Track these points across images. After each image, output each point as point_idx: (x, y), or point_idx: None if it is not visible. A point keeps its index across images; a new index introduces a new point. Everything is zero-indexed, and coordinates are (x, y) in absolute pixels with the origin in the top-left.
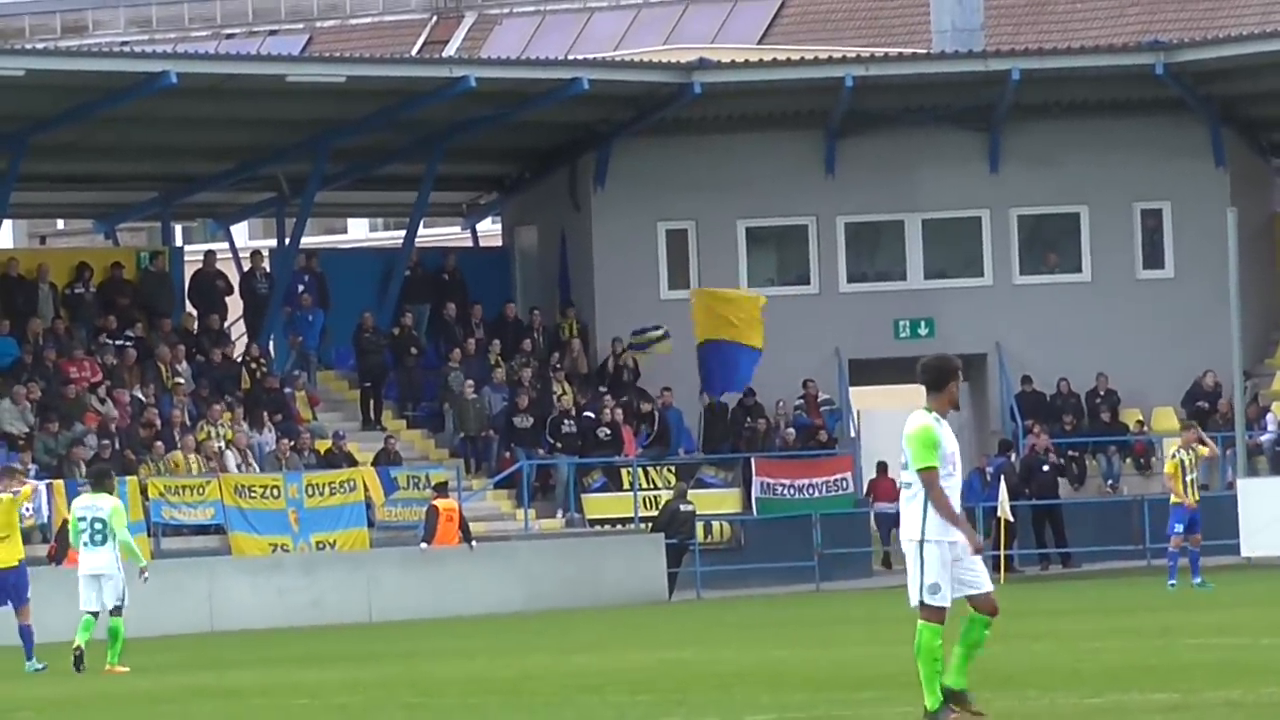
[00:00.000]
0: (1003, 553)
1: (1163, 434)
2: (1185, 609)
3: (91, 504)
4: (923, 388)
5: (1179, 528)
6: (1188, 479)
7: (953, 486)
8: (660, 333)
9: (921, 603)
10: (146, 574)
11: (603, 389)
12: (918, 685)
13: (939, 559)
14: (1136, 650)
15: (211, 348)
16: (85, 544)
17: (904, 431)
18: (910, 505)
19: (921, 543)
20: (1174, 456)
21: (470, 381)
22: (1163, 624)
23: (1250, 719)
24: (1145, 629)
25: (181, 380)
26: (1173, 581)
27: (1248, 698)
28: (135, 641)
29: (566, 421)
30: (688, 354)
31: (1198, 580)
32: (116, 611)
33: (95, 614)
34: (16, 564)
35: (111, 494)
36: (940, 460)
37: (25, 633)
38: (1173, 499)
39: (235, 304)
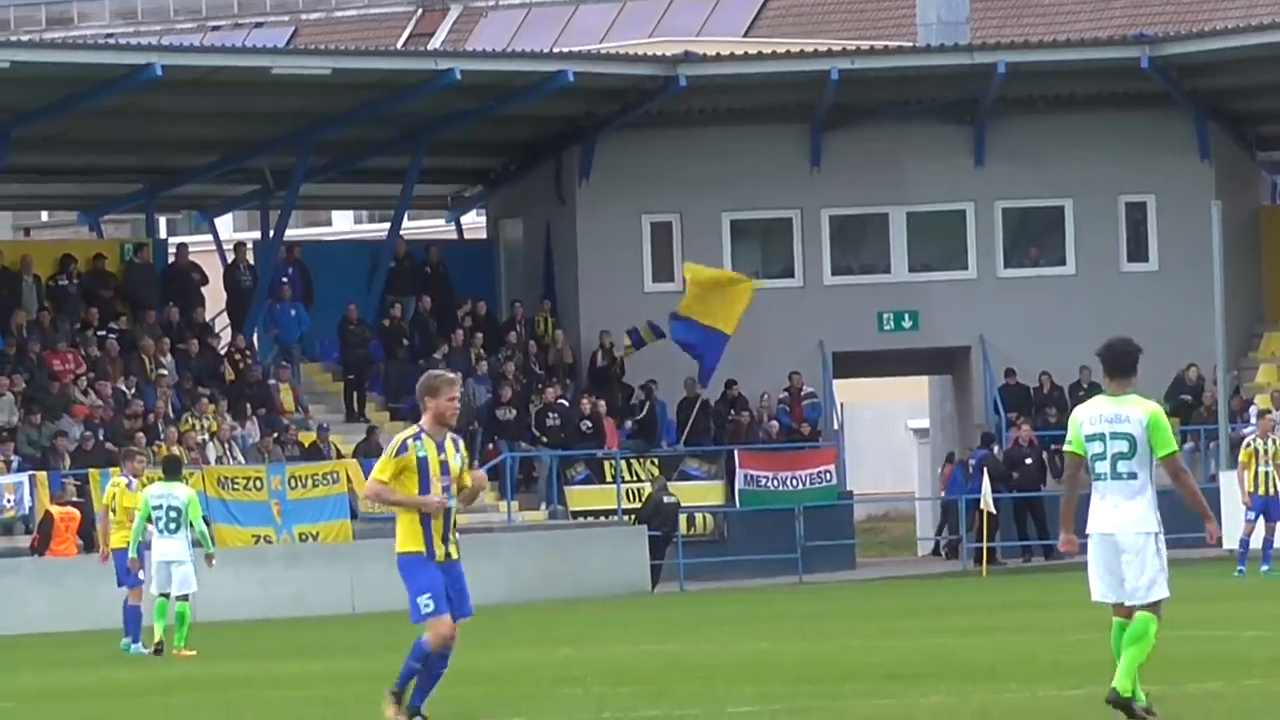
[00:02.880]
0: (985, 545)
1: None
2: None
3: (167, 492)
4: (1116, 373)
5: (1250, 515)
6: (1260, 469)
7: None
8: (649, 331)
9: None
10: (213, 562)
11: (591, 381)
12: (900, 678)
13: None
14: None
15: (194, 340)
16: (160, 532)
17: (1138, 416)
18: (1140, 497)
19: (1157, 535)
20: (1248, 445)
21: (458, 374)
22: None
23: (1232, 711)
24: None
25: (165, 372)
26: (1241, 569)
27: (1229, 689)
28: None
29: (550, 414)
30: (672, 348)
31: (1266, 568)
32: (184, 599)
33: (166, 595)
34: (121, 547)
35: (185, 483)
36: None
37: (133, 613)
38: (1246, 486)
39: (212, 296)
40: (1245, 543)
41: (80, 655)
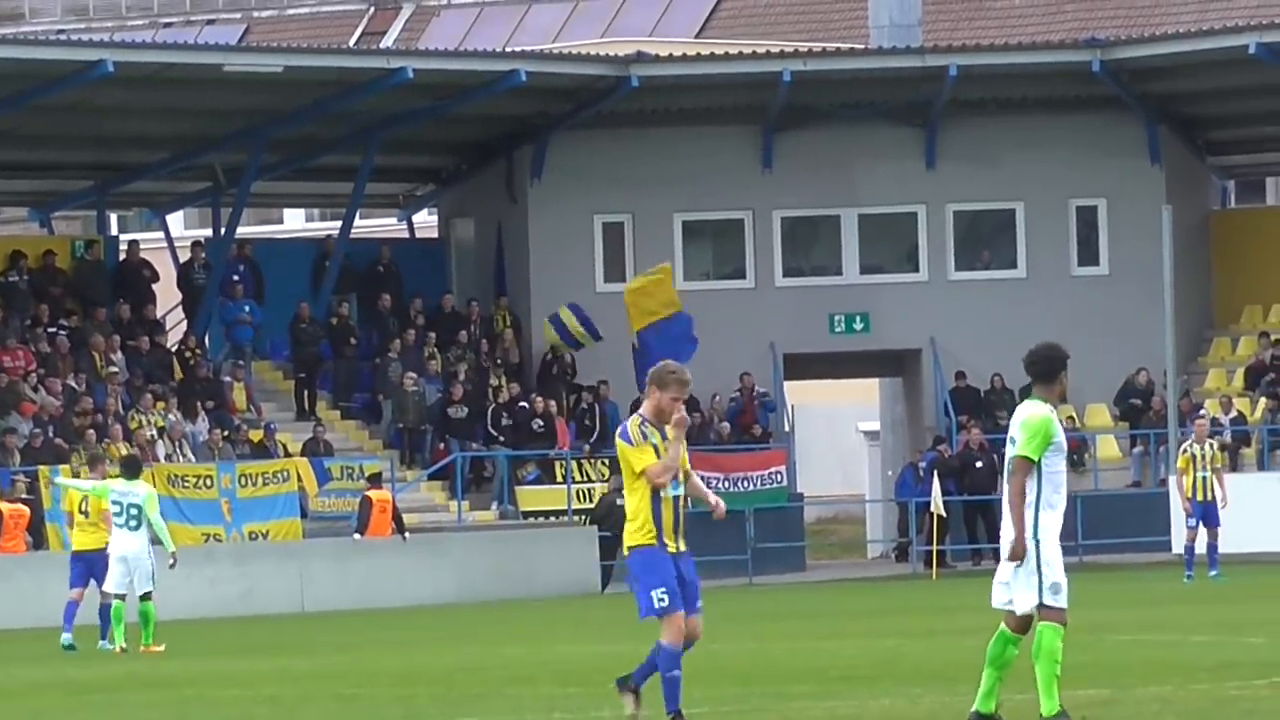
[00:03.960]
0: (935, 547)
1: (1095, 430)
2: (1116, 606)
3: (127, 489)
4: (1032, 379)
5: (1191, 521)
6: (1198, 475)
7: (1063, 481)
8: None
9: (1041, 604)
10: (174, 561)
11: (541, 381)
12: (850, 679)
13: (1055, 554)
14: (1067, 646)
15: (145, 337)
16: (119, 527)
17: (1017, 419)
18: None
19: (1037, 540)
20: (1185, 451)
21: (411, 374)
22: (1093, 620)
23: (1180, 715)
24: (1075, 625)
25: (115, 369)
26: (1189, 575)
27: (1178, 694)
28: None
29: (502, 414)
30: (623, 347)
31: (1214, 573)
32: (147, 597)
33: (122, 596)
34: (103, 547)
35: (144, 481)
36: (1055, 453)
37: (105, 612)
38: (1185, 493)
39: (163, 293)
40: (1190, 549)
41: (29, 651)
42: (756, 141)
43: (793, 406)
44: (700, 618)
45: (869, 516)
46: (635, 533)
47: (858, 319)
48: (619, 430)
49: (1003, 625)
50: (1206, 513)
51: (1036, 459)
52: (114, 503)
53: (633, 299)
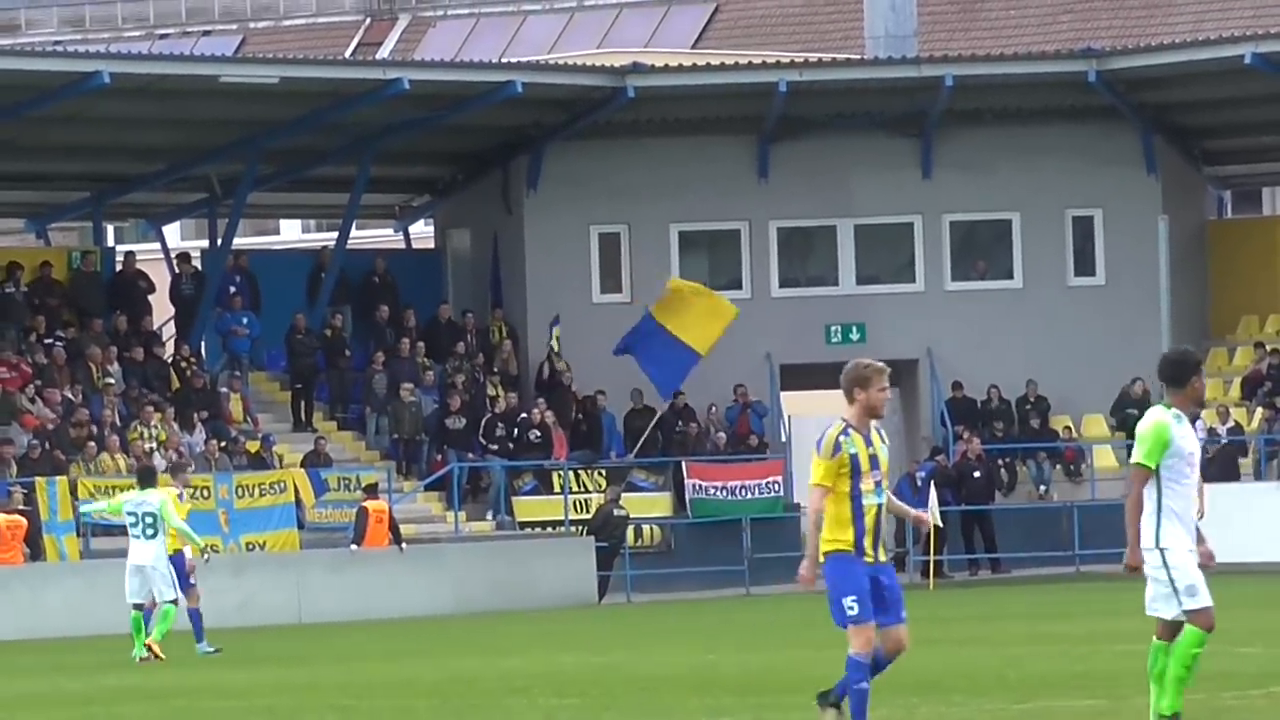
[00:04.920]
0: (932, 558)
1: (1092, 441)
2: (1113, 616)
3: (141, 499)
4: (1164, 384)
5: None
6: None
7: (1189, 490)
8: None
9: (1183, 609)
10: (208, 556)
11: (539, 392)
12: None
13: (1183, 560)
14: (1063, 656)
15: (140, 348)
16: (135, 537)
17: (1137, 428)
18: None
19: (1162, 549)
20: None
21: (408, 384)
22: (1090, 630)
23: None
24: (1072, 635)
25: (112, 381)
26: None
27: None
28: (61, 642)
29: (499, 425)
30: (621, 359)
31: None
32: (171, 603)
33: (139, 606)
34: (174, 553)
35: (159, 489)
36: (1176, 459)
37: (194, 616)
38: None
39: (159, 304)
40: None
41: (24, 663)
42: (752, 152)
43: (789, 417)
44: (904, 627)
45: None
46: (832, 539)
47: (854, 329)
48: (819, 435)
49: (1155, 635)
50: None
51: (1154, 466)
52: (129, 514)
53: (681, 289)
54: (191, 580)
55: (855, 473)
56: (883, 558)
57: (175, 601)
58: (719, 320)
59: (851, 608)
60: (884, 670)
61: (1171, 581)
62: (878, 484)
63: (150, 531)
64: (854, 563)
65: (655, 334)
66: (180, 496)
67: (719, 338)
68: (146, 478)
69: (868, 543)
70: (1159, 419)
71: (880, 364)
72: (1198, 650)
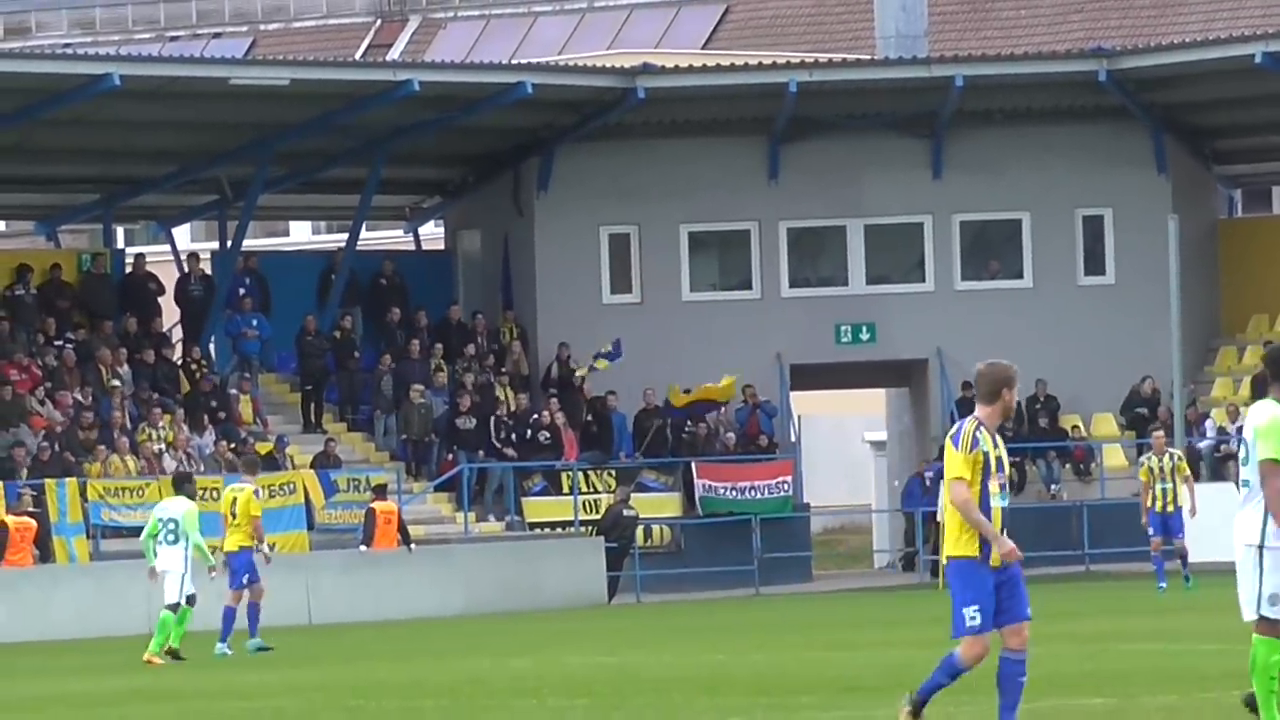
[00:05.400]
0: (941, 557)
1: (1102, 440)
2: (1123, 614)
3: (167, 506)
4: (1271, 378)
5: (1151, 531)
6: (1157, 486)
7: None
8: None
9: (1260, 616)
10: (214, 573)
11: (551, 391)
12: (856, 690)
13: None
14: (1074, 655)
15: (151, 350)
16: (160, 543)
17: (1252, 423)
18: (1248, 506)
19: (1261, 548)
20: (1144, 464)
21: (419, 385)
22: (1100, 629)
23: None
24: (1083, 634)
25: (117, 383)
26: (1161, 585)
27: (1184, 703)
28: (70, 644)
29: (507, 425)
30: (630, 359)
31: (1186, 582)
32: (189, 600)
33: (175, 607)
34: (239, 550)
35: (191, 498)
36: None
37: (252, 611)
38: (1145, 504)
39: (169, 306)
40: (1158, 560)
41: (35, 665)
42: (763, 152)
43: (799, 417)
44: (1026, 626)
45: (875, 527)
46: (957, 542)
47: (864, 329)
48: (953, 430)
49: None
50: (1166, 522)
51: None
52: (158, 519)
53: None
54: (254, 577)
55: (986, 472)
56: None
57: (175, 607)
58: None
59: (973, 618)
60: (1025, 669)
61: (1260, 583)
62: (1003, 486)
63: (172, 538)
64: (979, 570)
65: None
66: (257, 493)
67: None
68: (178, 484)
69: (994, 545)
70: (1276, 412)
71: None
72: (1276, 659)
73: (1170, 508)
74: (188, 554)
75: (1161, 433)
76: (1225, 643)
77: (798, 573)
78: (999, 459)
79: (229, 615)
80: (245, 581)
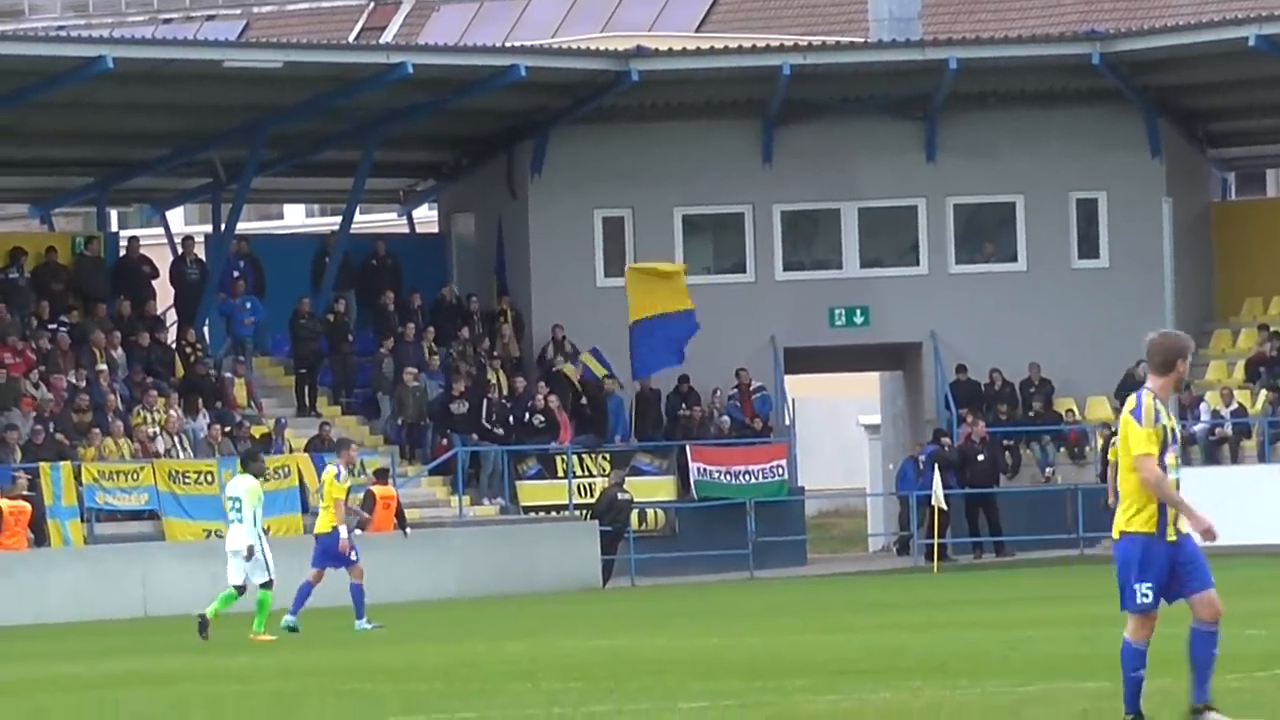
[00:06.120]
0: (936, 541)
1: (1096, 423)
2: (1117, 599)
3: (234, 485)
4: None
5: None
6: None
7: None
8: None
9: None
10: (250, 553)
11: (547, 372)
12: (851, 673)
13: None
14: (1068, 639)
15: (145, 333)
16: (229, 522)
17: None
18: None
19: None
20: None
21: (412, 369)
22: (1094, 613)
23: (1182, 707)
24: (1077, 618)
25: (103, 368)
26: None
27: (1178, 686)
28: (65, 627)
29: (497, 409)
30: (625, 344)
31: None
32: (265, 585)
33: (241, 588)
34: (330, 530)
35: (257, 476)
36: None
37: (356, 592)
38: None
39: (163, 289)
40: None
41: (29, 649)
42: (756, 135)
43: (793, 400)
44: (1214, 591)
45: (870, 510)
46: (1133, 518)
47: (858, 313)
48: (1132, 404)
49: None
50: None
51: None
52: (228, 498)
53: (639, 281)
54: (353, 557)
55: (1164, 446)
56: (1183, 529)
57: (268, 585)
58: (678, 280)
59: (1145, 595)
60: (1218, 641)
61: None
62: (1178, 459)
63: (238, 516)
64: (1153, 546)
65: (647, 332)
66: (338, 476)
67: (686, 289)
68: (244, 461)
69: (1170, 521)
70: None
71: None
72: None
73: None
74: (258, 531)
75: None
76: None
77: (792, 556)
78: (1173, 431)
79: (356, 591)
80: (350, 558)
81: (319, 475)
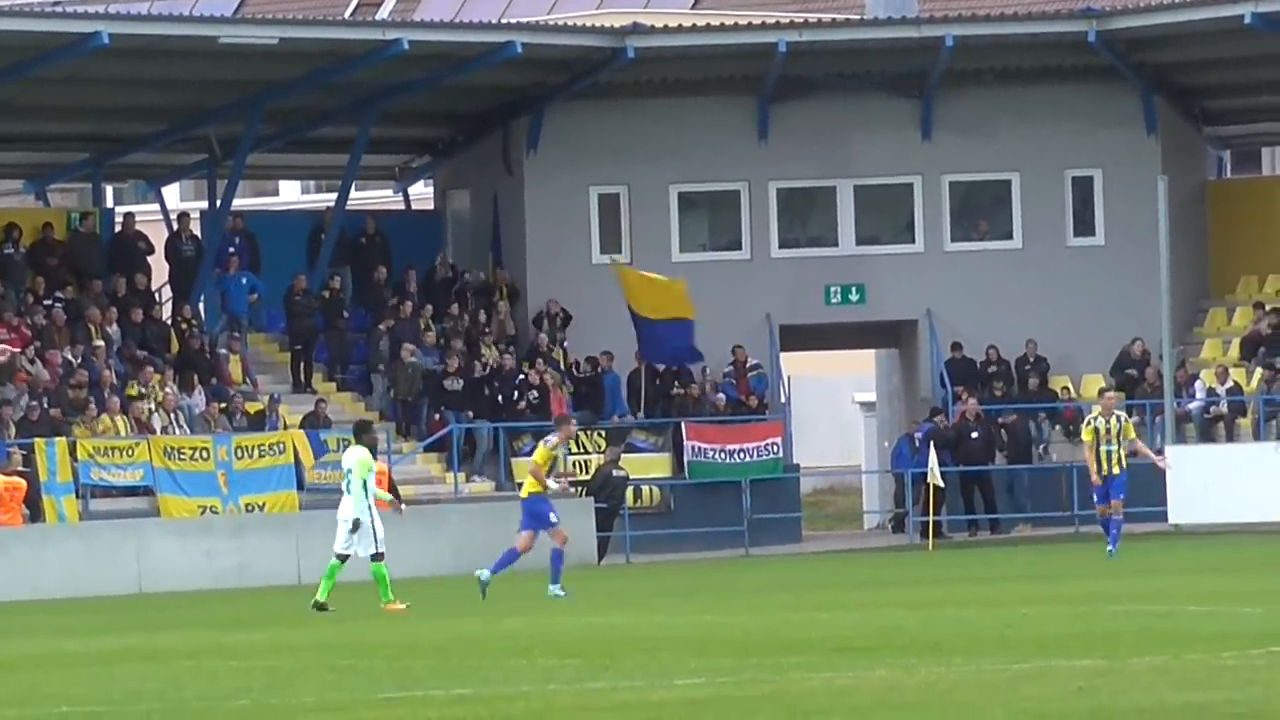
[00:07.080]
0: (931, 518)
1: (1091, 401)
2: (1111, 576)
3: (347, 456)
4: None
5: (1096, 499)
6: (1102, 449)
7: None
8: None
9: None
10: (404, 509)
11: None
12: (846, 651)
13: None
14: (1063, 617)
15: (139, 309)
16: (343, 492)
17: None
18: None
19: None
20: (1089, 424)
21: (409, 345)
22: (1089, 591)
23: (1176, 685)
24: (1072, 596)
25: (99, 343)
26: (1112, 549)
27: (1173, 664)
28: (60, 603)
29: (488, 385)
30: (623, 320)
31: (1110, 550)
32: (377, 558)
33: (344, 557)
34: (528, 495)
35: (370, 448)
36: None
37: (555, 556)
38: (1092, 465)
39: (158, 265)
40: (1104, 523)
41: (24, 625)
42: (752, 112)
43: (789, 378)
44: None
45: (865, 487)
46: None
47: (854, 290)
48: None
49: None
50: (1109, 485)
51: None
52: (345, 469)
53: (639, 282)
54: (553, 519)
55: None
56: None
57: (379, 557)
58: (680, 293)
59: None
60: None
61: None
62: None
63: (349, 486)
64: None
65: (656, 336)
66: (549, 444)
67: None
68: (357, 433)
69: None
70: None
71: None
72: None
73: (1117, 470)
74: (368, 504)
75: (1113, 394)
76: (1213, 604)
77: (787, 533)
78: None
79: (555, 557)
80: (550, 523)
81: (314, 454)
